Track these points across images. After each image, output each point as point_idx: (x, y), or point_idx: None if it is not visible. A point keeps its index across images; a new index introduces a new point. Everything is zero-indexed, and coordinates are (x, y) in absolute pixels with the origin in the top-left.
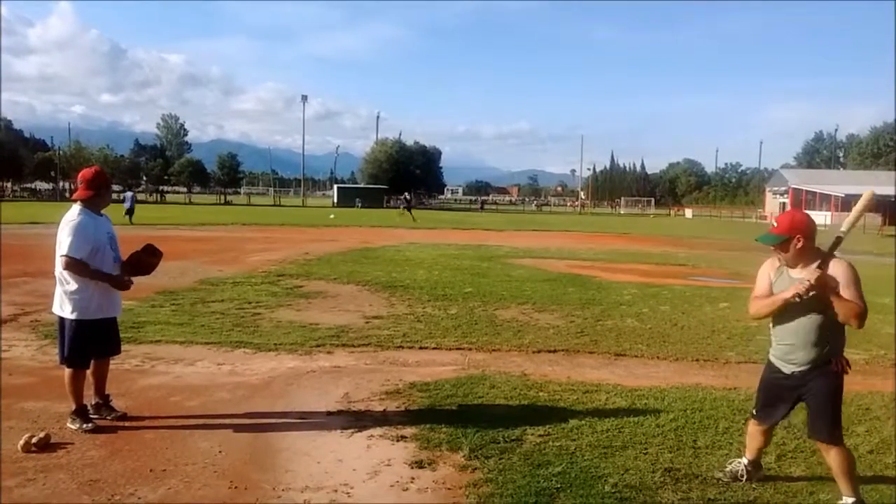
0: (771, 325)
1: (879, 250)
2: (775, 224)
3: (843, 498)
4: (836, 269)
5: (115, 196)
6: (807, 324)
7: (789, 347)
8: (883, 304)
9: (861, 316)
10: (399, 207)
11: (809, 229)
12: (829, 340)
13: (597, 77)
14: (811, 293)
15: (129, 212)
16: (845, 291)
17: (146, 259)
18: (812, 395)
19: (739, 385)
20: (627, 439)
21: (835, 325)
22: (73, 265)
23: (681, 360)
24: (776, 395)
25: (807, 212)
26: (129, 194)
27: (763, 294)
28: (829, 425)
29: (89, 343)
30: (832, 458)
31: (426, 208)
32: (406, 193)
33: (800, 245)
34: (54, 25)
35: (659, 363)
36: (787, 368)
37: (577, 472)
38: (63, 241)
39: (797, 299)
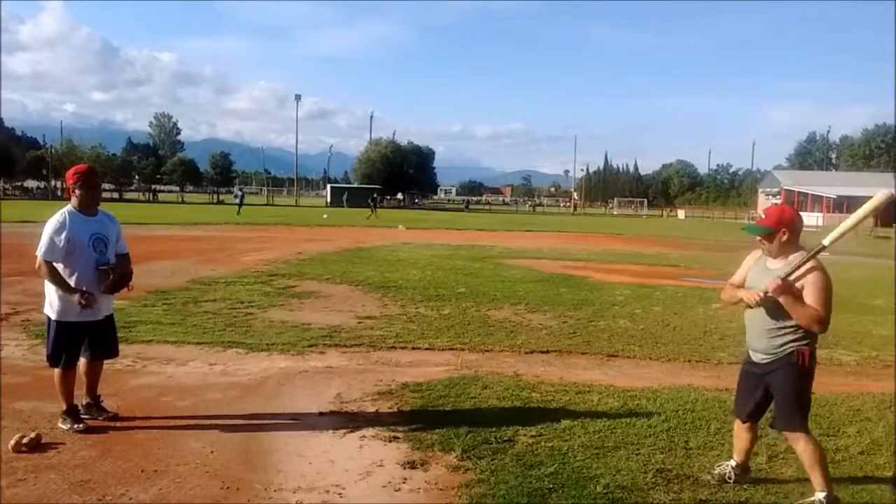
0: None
1: (871, 252)
2: (763, 216)
3: (816, 494)
4: (808, 275)
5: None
6: (763, 313)
7: (751, 335)
8: (874, 305)
9: (819, 321)
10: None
11: (795, 224)
12: (789, 332)
13: (592, 77)
14: (768, 299)
15: (239, 206)
16: (809, 297)
17: (117, 275)
18: (775, 387)
19: (731, 386)
20: (619, 440)
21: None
22: (42, 266)
23: (673, 361)
24: (746, 384)
25: (795, 209)
26: (238, 192)
27: (737, 282)
28: (787, 414)
29: (71, 344)
30: (799, 449)
31: (419, 208)
32: (374, 194)
33: (784, 238)
34: (46, 23)
35: (651, 364)
36: (754, 356)
37: (569, 473)
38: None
39: (752, 305)
